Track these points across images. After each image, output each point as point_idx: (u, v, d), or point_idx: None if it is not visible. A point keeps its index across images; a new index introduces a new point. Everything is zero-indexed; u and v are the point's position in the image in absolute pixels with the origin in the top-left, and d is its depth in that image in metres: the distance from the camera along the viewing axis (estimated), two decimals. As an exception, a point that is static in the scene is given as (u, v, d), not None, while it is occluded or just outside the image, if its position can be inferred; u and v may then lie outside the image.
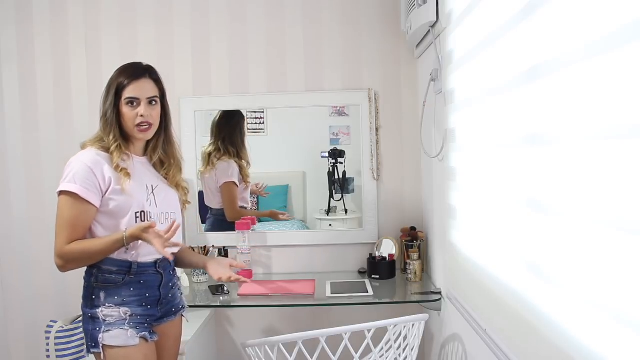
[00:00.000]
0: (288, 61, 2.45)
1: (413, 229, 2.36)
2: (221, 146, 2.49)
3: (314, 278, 2.30)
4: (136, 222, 1.48)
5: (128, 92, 1.50)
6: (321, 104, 2.45)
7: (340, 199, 2.51)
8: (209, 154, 2.49)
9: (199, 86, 2.48)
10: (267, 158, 2.55)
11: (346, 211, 2.50)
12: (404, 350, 1.68)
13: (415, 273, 2.19)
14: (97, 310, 1.45)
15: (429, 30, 1.92)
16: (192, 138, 2.45)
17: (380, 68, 2.43)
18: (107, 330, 1.43)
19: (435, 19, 1.84)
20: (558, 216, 0.95)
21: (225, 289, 2.14)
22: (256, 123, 2.54)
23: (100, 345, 1.43)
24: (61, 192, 1.43)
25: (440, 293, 2.00)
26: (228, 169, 2.48)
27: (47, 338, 2.35)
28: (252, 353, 1.65)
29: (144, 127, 1.51)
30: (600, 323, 0.82)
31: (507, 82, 1.19)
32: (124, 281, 1.47)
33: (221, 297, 2.09)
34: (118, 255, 1.47)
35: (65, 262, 1.44)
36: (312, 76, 2.45)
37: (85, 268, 1.52)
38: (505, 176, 1.24)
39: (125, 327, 1.45)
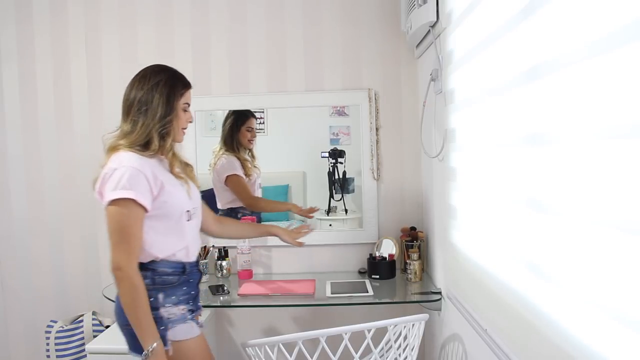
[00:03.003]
0: (288, 61, 2.45)
1: (413, 229, 2.36)
2: (221, 145, 2.50)
3: (314, 278, 2.30)
4: (185, 220, 1.51)
5: (186, 98, 1.54)
6: (321, 104, 2.45)
7: (340, 199, 2.51)
8: (214, 154, 2.50)
9: (199, 86, 2.47)
10: (267, 158, 2.55)
11: (346, 211, 2.50)
12: (404, 350, 1.68)
13: (415, 273, 2.19)
14: (159, 311, 1.45)
15: (429, 30, 1.92)
16: (192, 138, 2.44)
17: (380, 68, 2.43)
18: (173, 327, 1.45)
19: (435, 19, 1.84)
20: (558, 216, 0.95)
21: (225, 288, 2.14)
22: (256, 123, 2.54)
23: (169, 342, 1.44)
24: (114, 201, 1.36)
25: (440, 293, 2.00)
26: (227, 163, 2.48)
27: (47, 338, 2.35)
28: (252, 353, 1.65)
29: (185, 130, 1.58)
30: (601, 323, 0.82)
31: (507, 82, 1.19)
32: (179, 281, 1.50)
33: (221, 297, 2.09)
34: (172, 257, 1.48)
35: (121, 280, 1.38)
36: (312, 76, 2.45)
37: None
38: (506, 176, 1.24)
39: (188, 321, 1.49)
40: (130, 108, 1.47)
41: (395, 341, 1.67)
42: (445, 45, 1.77)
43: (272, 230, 1.92)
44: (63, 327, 2.35)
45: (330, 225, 2.53)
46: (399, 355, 1.67)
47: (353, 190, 2.50)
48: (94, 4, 2.50)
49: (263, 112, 2.53)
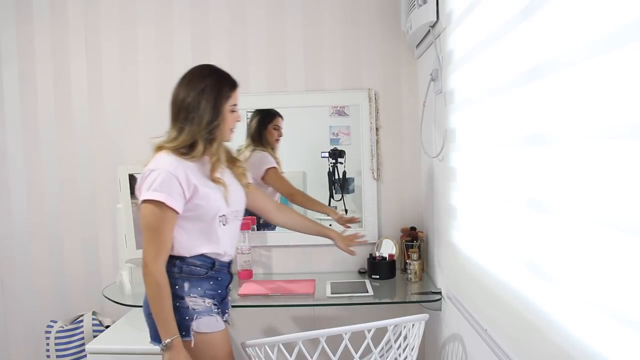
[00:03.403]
0: (288, 61, 2.45)
1: (413, 229, 2.36)
2: (248, 141, 2.47)
3: (314, 278, 2.30)
4: (219, 224, 1.52)
5: (233, 99, 1.56)
6: (321, 104, 2.45)
7: (341, 199, 2.50)
8: (239, 152, 2.45)
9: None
10: (267, 158, 2.54)
11: (346, 211, 2.50)
12: (404, 350, 1.68)
13: (415, 273, 2.19)
14: (184, 300, 1.48)
15: (429, 30, 1.92)
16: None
17: (380, 68, 2.43)
18: (198, 318, 1.47)
19: (435, 19, 1.84)
20: (558, 216, 0.95)
21: (226, 289, 2.14)
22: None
23: (192, 333, 1.46)
24: (146, 201, 1.43)
25: (440, 293, 2.00)
26: (264, 157, 2.45)
27: (47, 338, 2.35)
28: (252, 353, 1.65)
29: (234, 129, 1.59)
30: (601, 322, 0.82)
31: (507, 82, 1.19)
32: (207, 275, 1.53)
33: (221, 297, 2.09)
34: (206, 251, 1.52)
35: (146, 276, 1.43)
36: (312, 76, 2.45)
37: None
38: (506, 176, 1.24)
39: (213, 314, 1.51)
40: (178, 114, 1.50)
41: (395, 341, 1.67)
42: (445, 45, 1.77)
43: (328, 232, 1.92)
44: (63, 327, 2.35)
45: (330, 225, 2.53)
46: (399, 355, 1.67)
47: (353, 190, 2.50)
48: (94, 5, 2.50)
49: (263, 112, 2.52)
